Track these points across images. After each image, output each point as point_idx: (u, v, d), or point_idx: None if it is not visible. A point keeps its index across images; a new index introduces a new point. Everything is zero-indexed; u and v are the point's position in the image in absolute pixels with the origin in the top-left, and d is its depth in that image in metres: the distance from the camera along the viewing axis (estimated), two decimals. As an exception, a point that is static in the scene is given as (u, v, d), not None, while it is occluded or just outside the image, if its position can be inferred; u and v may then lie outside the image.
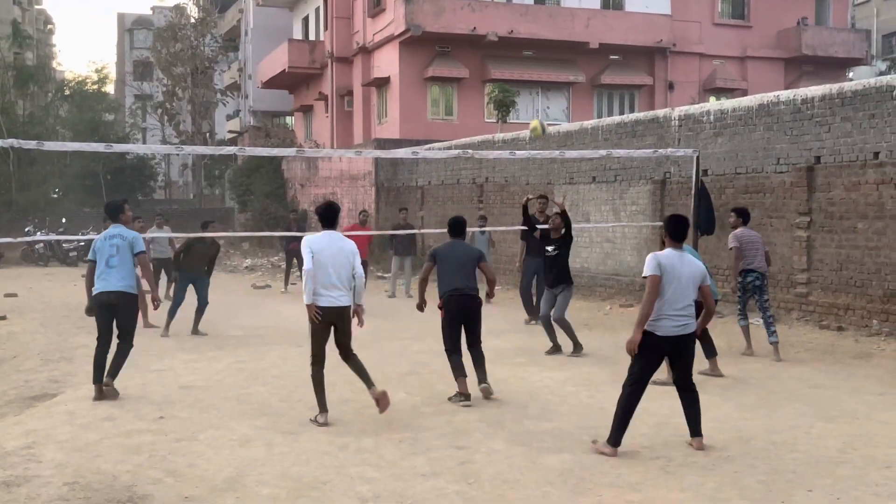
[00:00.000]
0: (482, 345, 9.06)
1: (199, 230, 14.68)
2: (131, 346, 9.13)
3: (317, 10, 37.36)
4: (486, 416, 8.02)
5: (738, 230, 11.13)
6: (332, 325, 7.83)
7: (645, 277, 6.75)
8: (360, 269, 7.97)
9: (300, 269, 18.18)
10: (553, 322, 11.42)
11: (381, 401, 7.82)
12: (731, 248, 11.13)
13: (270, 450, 7.01)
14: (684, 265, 6.79)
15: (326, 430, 7.50)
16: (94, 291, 8.97)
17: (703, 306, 6.98)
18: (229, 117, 51.45)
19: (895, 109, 11.69)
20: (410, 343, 12.38)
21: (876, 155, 11.97)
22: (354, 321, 7.98)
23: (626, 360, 10.51)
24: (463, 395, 8.55)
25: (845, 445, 6.99)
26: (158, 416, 8.10)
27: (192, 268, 13.68)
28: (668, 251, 6.87)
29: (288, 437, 7.37)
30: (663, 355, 6.89)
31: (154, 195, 48.17)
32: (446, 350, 8.93)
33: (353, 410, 8.25)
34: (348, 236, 14.36)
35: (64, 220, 32.18)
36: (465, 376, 8.66)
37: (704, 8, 32.81)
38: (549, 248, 11.65)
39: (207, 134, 45.32)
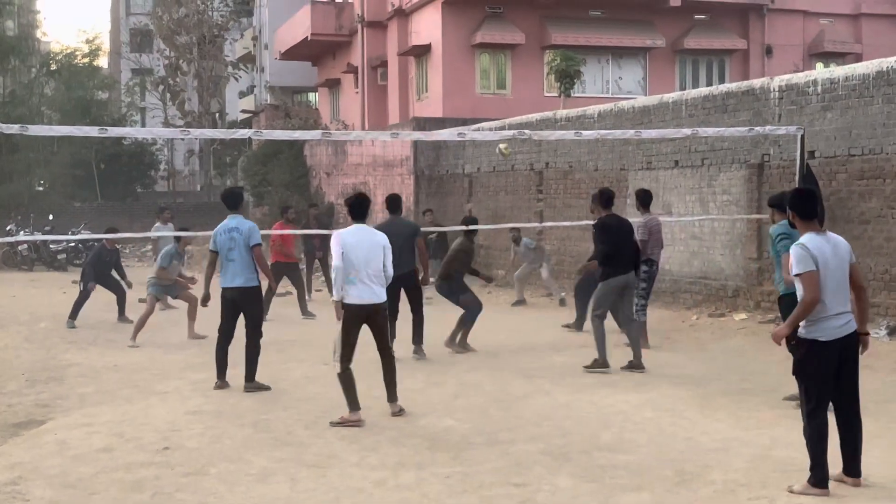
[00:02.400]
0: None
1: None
2: (261, 335, 10.68)
3: (345, -34, 37.60)
4: (550, 448, 8.01)
5: (647, 217, 12.88)
6: (364, 322, 8.83)
7: (797, 275, 6.57)
8: (390, 266, 8.88)
9: (324, 274, 18.58)
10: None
11: (398, 416, 8.99)
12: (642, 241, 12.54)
13: (294, 486, 7.08)
14: (834, 248, 6.66)
15: (359, 464, 7.54)
16: (222, 285, 10.64)
17: (854, 290, 6.74)
18: (242, 94, 51.89)
19: None
20: (458, 360, 12.41)
21: None
22: None
23: (717, 381, 10.46)
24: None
25: None
26: (163, 447, 8.20)
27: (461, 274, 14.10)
28: (809, 236, 6.67)
29: (314, 472, 7.42)
30: (834, 365, 6.62)
31: (156, 187, 48.78)
32: None
33: (389, 439, 8.29)
34: (275, 235, 15.39)
35: (51, 217, 32.66)
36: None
37: (809, -44, 32.50)
38: None
39: (217, 114, 45.82)
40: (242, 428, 8.89)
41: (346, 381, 8.72)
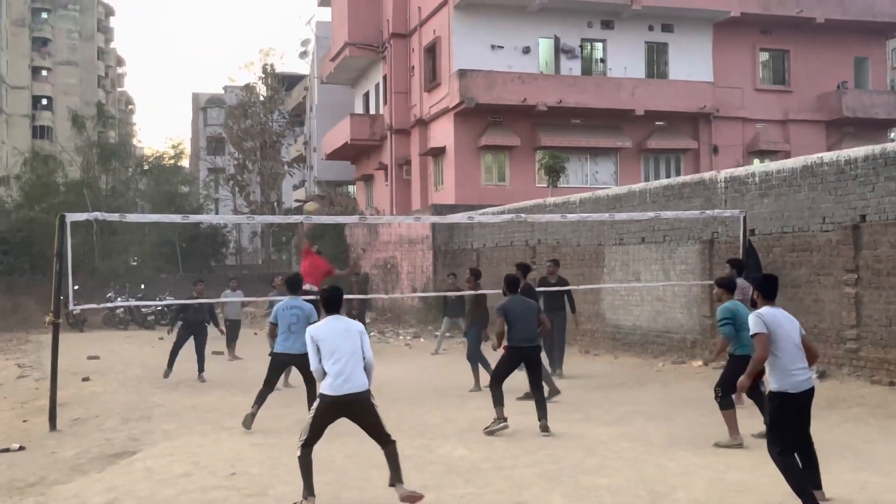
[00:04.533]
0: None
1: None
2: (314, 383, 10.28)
3: (376, 86, 38.10)
4: (544, 472, 7.90)
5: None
6: (342, 415, 6.97)
7: (753, 335, 6.58)
8: (369, 352, 7.07)
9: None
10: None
11: (411, 500, 6.84)
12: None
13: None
14: (787, 318, 6.64)
15: (386, 486, 7.43)
16: (276, 350, 10.83)
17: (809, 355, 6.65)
18: (295, 187, 52.34)
19: (938, 168, 11.46)
20: (469, 399, 12.29)
21: (921, 212, 11.72)
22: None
23: (680, 417, 10.33)
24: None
25: (903, 501, 6.73)
26: (231, 473, 8.13)
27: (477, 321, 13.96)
28: (766, 308, 6.66)
29: (354, 493, 7.34)
30: (799, 414, 6.51)
31: (226, 261, 48.98)
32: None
33: (413, 465, 8.18)
34: (308, 263, 14.47)
35: (143, 286, 32.82)
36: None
37: (746, 74, 32.75)
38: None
39: (275, 203, 46.17)
40: (295, 457, 8.78)
41: (305, 464, 6.96)
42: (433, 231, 26.15)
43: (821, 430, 9.46)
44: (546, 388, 11.76)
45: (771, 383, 6.52)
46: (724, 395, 8.83)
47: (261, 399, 10.71)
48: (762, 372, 6.79)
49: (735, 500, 6.84)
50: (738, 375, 7.31)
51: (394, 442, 6.98)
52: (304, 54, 51.80)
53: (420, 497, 6.85)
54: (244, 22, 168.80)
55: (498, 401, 9.89)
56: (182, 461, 8.65)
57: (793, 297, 13.43)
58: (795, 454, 6.48)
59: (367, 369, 7.02)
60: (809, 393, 6.52)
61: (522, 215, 16.33)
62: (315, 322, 9.76)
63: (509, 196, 28.11)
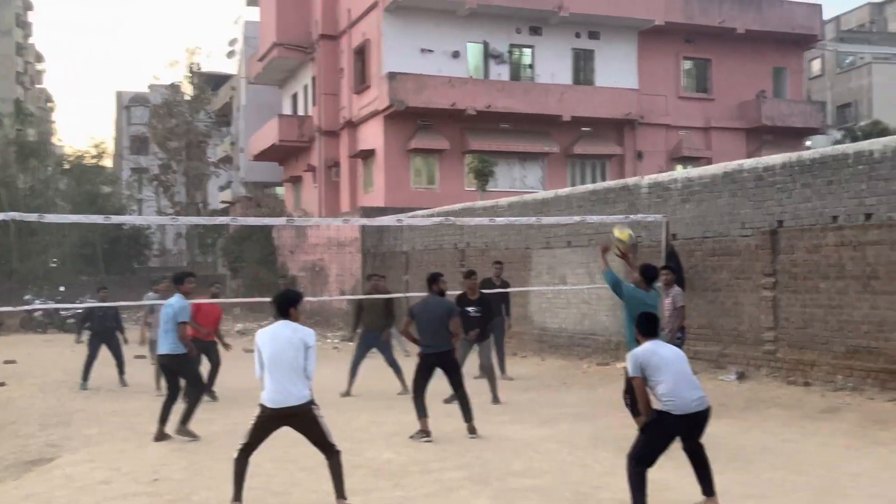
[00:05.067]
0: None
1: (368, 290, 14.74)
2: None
3: (305, 87, 37.80)
4: (472, 475, 7.93)
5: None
6: (282, 426, 6.75)
7: (632, 378, 6.51)
8: (311, 366, 6.66)
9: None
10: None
11: None
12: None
13: (263, 510, 6.90)
14: (671, 351, 6.56)
15: (316, 490, 7.38)
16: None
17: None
18: (222, 188, 51.55)
19: (851, 176, 11.88)
20: (397, 402, 12.27)
21: (834, 218, 12.13)
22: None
23: (605, 418, 10.47)
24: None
25: (816, 498, 6.95)
26: (154, 479, 7.96)
27: (371, 327, 13.78)
28: (643, 347, 6.52)
29: (279, 498, 7.26)
30: (678, 435, 6.42)
31: (149, 263, 48.00)
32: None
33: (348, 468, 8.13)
34: (197, 308, 13.30)
35: (62, 289, 31.97)
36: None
37: (669, 82, 33.45)
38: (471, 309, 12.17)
39: (201, 204, 45.44)
40: (220, 462, 8.65)
41: (238, 468, 6.73)
42: (362, 234, 26.05)
43: (740, 430, 9.74)
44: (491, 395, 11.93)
45: (656, 402, 6.41)
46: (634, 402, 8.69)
47: (164, 410, 9.99)
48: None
49: (656, 498, 6.96)
50: None
51: (338, 453, 6.75)
52: (231, 54, 51.11)
53: None
54: (170, 20, 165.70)
55: (420, 412, 9.64)
56: (103, 467, 8.43)
57: (713, 300, 13.76)
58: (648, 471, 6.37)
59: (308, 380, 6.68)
60: (697, 416, 6.33)
61: (451, 218, 16.38)
62: (182, 321, 9.82)
63: (439, 199, 28.18)
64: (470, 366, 13.00)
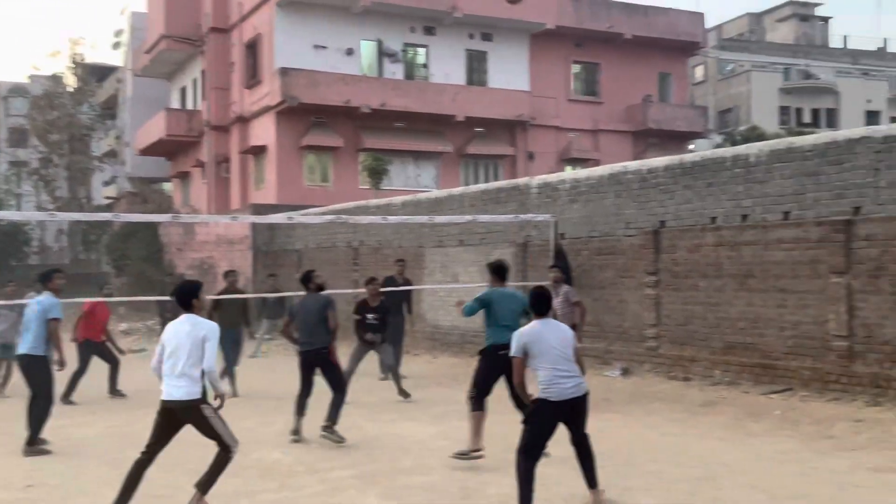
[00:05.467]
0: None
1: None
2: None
3: (194, 80, 36.91)
4: (361, 473, 7.91)
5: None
6: (180, 421, 6.56)
7: (512, 357, 6.62)
8: (209, 361, 6.49)
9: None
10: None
11: None
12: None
13: (143, 515, 6.69)
14: (556, 329, 6.66)
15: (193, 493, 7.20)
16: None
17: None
18: (106, 183, 49.80)
19: (730, 178, 12.37)
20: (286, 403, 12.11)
21: (713, 219, 12.61)
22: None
23: (494, 414, 10.57)
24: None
25: (693, 489, 7.20)
26: (27, 485, 7.63)
27: (227, 325, 13.04)
28: (532, 324, 6.67)
29: (160, 501, 7.05)
30: (560, 422, 6.54)
31: (29, 260, 45.97)
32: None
33: (228, 471, 7.97)
34: (88, 312, 13.09)
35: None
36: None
37: (560, 85, 34.11)
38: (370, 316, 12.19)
39: (84, 200, 43.80)
40: (100, 466, 8.38)
41: (131, 472, 6.54)
42: (253, 231, 25.60)
43: (623, 424, 10.01)
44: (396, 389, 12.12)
45: (537, 389, 6.53)
46: (477, 397, 8.42)
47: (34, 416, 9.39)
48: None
49: (545, 494, 7.09)
50: (486, 372, 8.23)
51: (228, 454, 6.55)
52: (117, 45, 49.38)
53: None
54: (52, 8, 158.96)
55: (298, 411, 9.54)
56: (-28, 475, 8.03)
57: (599, 297, 14.11)
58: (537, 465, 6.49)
59: (207, 377, 6.51)
60: (576, 401, 6.48)
61: (344, 216, 16.29)
62: (54, 318, 9.29)
63: (332, 197, 27.96)
64: (373, 367, 13.08)
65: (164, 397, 6.49)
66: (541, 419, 6.47)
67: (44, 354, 9.40)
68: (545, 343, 6.49)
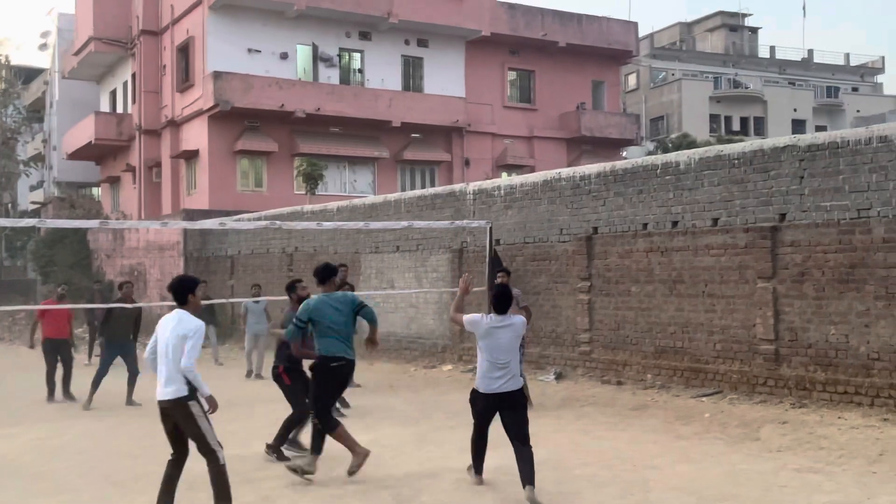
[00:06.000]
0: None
1: (119, 298, 13.80)
2: None
3: (125, 83, 36.18)
4: (294, 481, 7.82)
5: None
6: (173, 420, 6.47)
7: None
8: (186, 359, 6.32)
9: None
10: None
11: None
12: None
13: (68, 529, 6.53)
14: (509, 325, 7.30)
15: (129, 501, 7.06)
16: None
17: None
18: (33, 188, 48.49)
19: (660, 185, 12.60)
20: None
21: (645, 226, 12.83)
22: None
23: (429, 420, 10.61)
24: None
25: (623, 492, 7.31)
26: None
27: (118, 336, 12.98)
28: (491, 317, 7.35)
29: (87, 515, 6.90)
30: (492, 411, 7.31)
31: (-50, 267, 44.52)
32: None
33: (152, 484, 7.83)
34: (43, 311, 13.17)
35: None
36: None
37: (495, 92, 34.31)
38: None
39: (9, 205, 42.59)
40: (25, 479, 8.14)
41: (166, 471, 6.57)
42: (185, 237, 25.20)
43: (555, 428, 10.10)
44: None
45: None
46: (324, 416, 8.01)
47: None
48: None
49: (476, 499, 7.12)
50: (323, 389, 7.91)
51: (215, 461, 6.45)
52: (43, 46, 48.18)
53: None
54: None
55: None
56: None
57: (534, 303, 14.22)
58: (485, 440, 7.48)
59: (186, 375, 6.34)
60: (503, 396, 7.17)
61: (277, 222, 16.11)
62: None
63: (267, 202, 27.68)
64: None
65: (157, 398, 6.44)
66: (473, 406, 7.43)
67: None
68: (494, 339, 7.22)
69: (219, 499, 6.51)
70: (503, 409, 7.21)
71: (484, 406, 7.30)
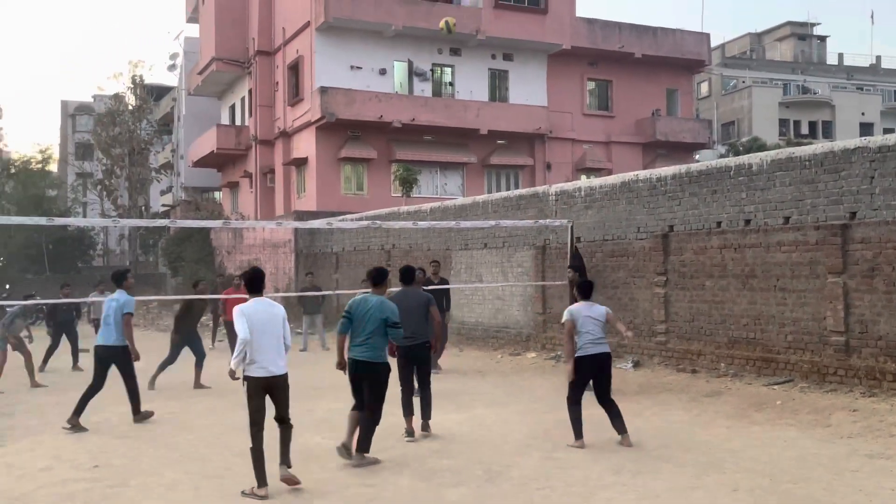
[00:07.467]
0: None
1: (192, 290, 14.29)
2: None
3: (242, 99, 37.16)
4: (393, 456, 7.91)
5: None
6: (267, 393, 6.78)
7: (562, 324, 8.38)
8: (288, 336, 6.85)
9: (227, 333, 16.88)
10: None
11: (289, 482, 6.79)
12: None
13: (197, 493, 6.75)
14: (591, 311, 8.38)
15: (247, 474, 7.22)
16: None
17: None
18: (163, 192, 50.31)
19: (733, 186, 12.25)
20: (325, 391, 12.16)
21: (718, 224, 12.49)
22: None
23: (516, 403, 10.58)
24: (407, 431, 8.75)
25: (699, 472, 7.14)
26: (94, 465, 7.71)
27: (190, 327, 13.41)
28: (578, 303, 8.45)
29: (213, 481, 7.11)
30: (591, 373, 8.25)
31: (93, 263, 46.56)
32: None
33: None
34: (226, 300, 13.69)
35: (7, 287, 30.73)
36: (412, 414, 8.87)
37: (575, 101, 33.94)
38: None
39: (143, 207, 44.26)
40: (158, 448, 8.46)
41: (255, 453, 6.69)
42: (295, 236, 25.73)
43: (634, 413, 9.93)
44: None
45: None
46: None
47: (82, 401, 9.72)
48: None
49: (561, 476, 7.07)
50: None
51: (290, 426, 6.97)
52: (172, 67, 49.84)
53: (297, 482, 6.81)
54: (114, 34, 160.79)
55: (407, 411, 8.83)
56: (44, 456, 8.13)
57: (612, 296, 14.02)
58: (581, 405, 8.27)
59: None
60: (600, 357, 8.26)
61: (378, 222, 16.32)
62: (128, 312, 9.71)
63: (367, 204, 28.03)
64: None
65: (262, 374, 6.69)
66: (577, 373, 8.26)
67: (123, 345, 9.77)
68: (585, 317, 8.30)
69: (286, 452, 6.97)
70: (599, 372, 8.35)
71: (586, 371, 8.28)
